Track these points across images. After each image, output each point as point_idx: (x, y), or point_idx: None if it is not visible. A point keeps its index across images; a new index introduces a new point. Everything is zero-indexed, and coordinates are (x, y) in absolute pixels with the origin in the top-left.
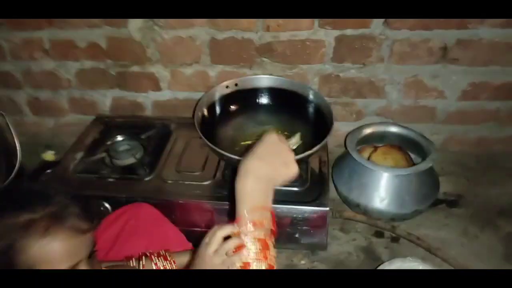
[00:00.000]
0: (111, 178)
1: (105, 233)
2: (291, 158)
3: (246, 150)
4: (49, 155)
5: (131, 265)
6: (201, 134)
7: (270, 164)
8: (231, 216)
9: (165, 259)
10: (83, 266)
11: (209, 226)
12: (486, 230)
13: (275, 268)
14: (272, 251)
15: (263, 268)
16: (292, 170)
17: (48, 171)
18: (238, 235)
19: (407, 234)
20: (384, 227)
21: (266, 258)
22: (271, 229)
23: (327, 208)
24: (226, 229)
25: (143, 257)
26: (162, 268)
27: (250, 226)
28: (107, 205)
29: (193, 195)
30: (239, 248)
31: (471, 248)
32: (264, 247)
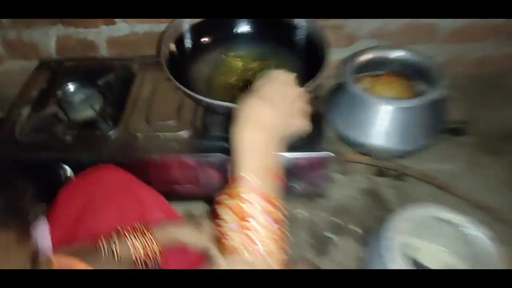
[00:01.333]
0: (67, 135)
1: (64, 210)
2: (305, 106)
3: (227, 91)
4: None
5: (101, 247)
6: (170, 75)
7: (278, 110)
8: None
9: (143, 234)
10: None
11: (192, 182)
12: (495, 158)
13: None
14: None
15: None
16: (305, 121)
17: None
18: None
19: (418, 172)
20: (392, 167)
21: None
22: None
23: (328, 153)
24: None
25: (115, 235)
26: (141, 248)
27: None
28: (67, 168)
29: (169, 148)
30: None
31: (482, 180)
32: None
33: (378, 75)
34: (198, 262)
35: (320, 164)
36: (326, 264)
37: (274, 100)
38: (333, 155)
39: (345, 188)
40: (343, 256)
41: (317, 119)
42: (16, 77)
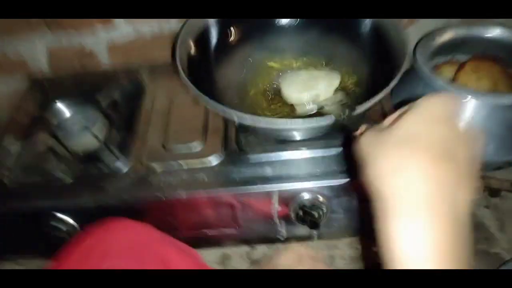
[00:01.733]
0: (65, 175)
1: None
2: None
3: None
4: None
5: None
6: (190, 84)
7: (451, 162)
8: None
9: None
10: None
11: (229, 224)
12: None
13: None
14: None
15: None
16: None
17: None
18: None
19: None
20: (487, 182)
21: None
22: None
23: None
24: None
25: None
26: None
27: None
28: (67, 219)
29: (196, 182)
30: None
31: None
32: None
33: (462, 61)
34: None
35: None
36: None
37: (445, 155)
38: None
39: None
40: None
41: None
42: (0, 101)
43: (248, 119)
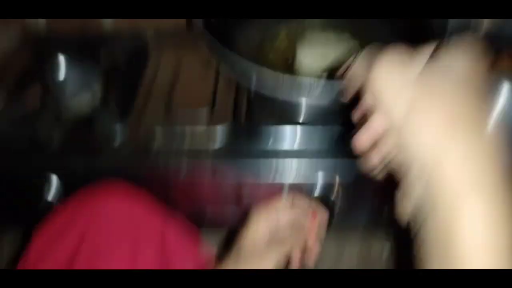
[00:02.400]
0: (56, 135)
1: (50, 249)
2: None
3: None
4: None
5: None
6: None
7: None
8: None
9: None
10: None
11: (233, 202)
12: None
13: None
14: None
15: None
16: None
17: None
18: None
19: None
20: None
21: None
22: None
23: None
24: None
25: None
26: None
27: None
28: (55, 182)
29: (200, 152)
30: None
31: None
32: None
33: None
34: None
35: None
36: None
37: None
38: None
39: None
40: None
41: None
42: None
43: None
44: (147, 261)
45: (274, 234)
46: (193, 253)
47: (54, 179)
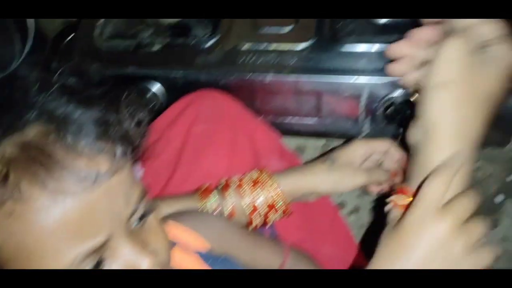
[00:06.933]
0: (154, 44)
1: (157, 149)
2: None
3: None
4: None
5: (210, 204)
6: None
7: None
8: None
9: (263, 186)
10: (120, 248)
11: (312, 114)
12: None
13: None
14: None
15: None
16: None
17: (70, 36)
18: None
19: None
20: None
21: None
22: None
23: None
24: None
25: (228, 187)
26: (263, 201)
27: None
28: (156, 88)
29: (283, 66)
30: None
31: None
32: None
33: None
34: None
35: None
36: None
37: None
38: None
39: None
40: None
41: None
42: None
43: None
44: (244, 158)
45: (367, 162)
46: (281, 153)
47: (157, 84)
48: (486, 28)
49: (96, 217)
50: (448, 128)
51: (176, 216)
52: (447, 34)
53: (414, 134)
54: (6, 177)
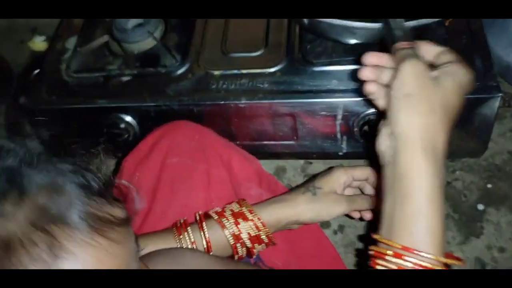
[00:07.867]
0: (123, 75)
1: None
2: None
3: None
4: (38, 43)
5: (185, 240)
6: None
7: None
8: None
9: (245, 219)
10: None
11: (288, 137)
12: None
13: None
14: None
15: None
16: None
17: (36, 71)
18: None
19: None
20: None
21: None
22: None
23: (498, 95)
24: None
25: (203, 221)
26: (244, 233)
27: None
28: (128, 119)
29: (256, 91)
30: None
31: None
32: None
33: None
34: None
35: (488, 109)
36: (473, 246)
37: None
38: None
39: (504, 141)
40: (497, 235)
41: (474, 45)
42: None
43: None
44: (221, 189)
45: (348, 189)
46: (258, 178)
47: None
48: (440, 53)
49: None
50: (417, 133)
51: (152, 256)
52: (403, 58)
53: (384, 141)
54: None
